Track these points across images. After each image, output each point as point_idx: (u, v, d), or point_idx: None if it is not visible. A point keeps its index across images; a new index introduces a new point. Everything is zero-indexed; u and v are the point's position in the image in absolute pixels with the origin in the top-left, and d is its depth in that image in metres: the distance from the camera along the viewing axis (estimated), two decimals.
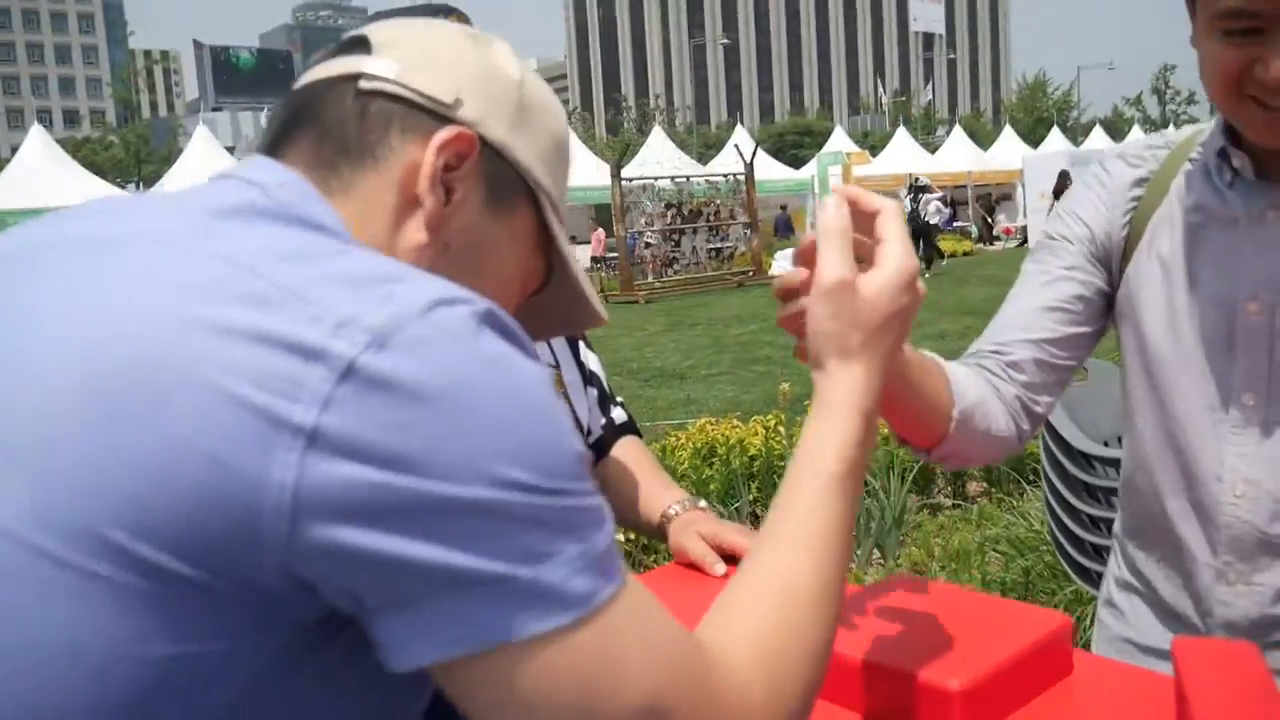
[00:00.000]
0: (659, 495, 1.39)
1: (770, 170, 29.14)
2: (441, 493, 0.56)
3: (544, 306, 0.92)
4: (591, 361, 1.63)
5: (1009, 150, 33.01)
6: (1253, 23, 1.02)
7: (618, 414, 1.63)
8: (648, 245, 18.63)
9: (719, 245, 20.17)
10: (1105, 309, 1.29)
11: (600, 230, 22.17)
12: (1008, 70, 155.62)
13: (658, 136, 28.69)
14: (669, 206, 19.37)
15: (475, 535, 0.57)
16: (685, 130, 78.75)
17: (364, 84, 0.76)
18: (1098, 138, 36.11)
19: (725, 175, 20.50)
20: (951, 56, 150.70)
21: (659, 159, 24.71)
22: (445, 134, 0.75)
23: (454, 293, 0.62)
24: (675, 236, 19.39)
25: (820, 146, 34.14)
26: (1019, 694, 0.96)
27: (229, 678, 0.58)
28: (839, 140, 33.03)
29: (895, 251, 0.83)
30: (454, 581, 0.57)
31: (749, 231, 19.88)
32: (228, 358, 0.56)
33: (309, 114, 0.77)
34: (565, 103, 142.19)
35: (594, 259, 21.03)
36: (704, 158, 36.16)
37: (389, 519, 0.56)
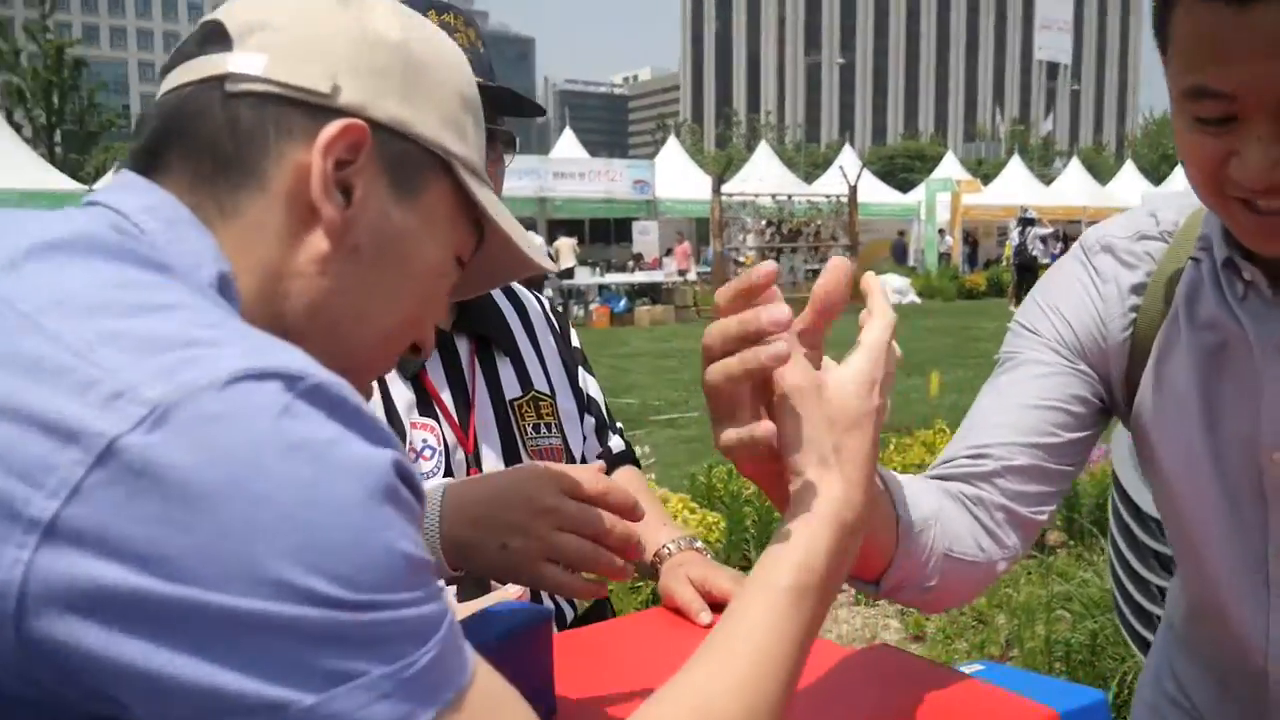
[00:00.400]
0: (653, 532, 1.32)
1: (876, 193, 28.67)
2: (209, 601, 0.48)
3: (479, 263, 0.83)
4: (590, 387, 1.58)
5: (1129, 186, 31.88)
6: (1224, 108, 0.84)
7: (615, 443, 1.58)
8: (737, 264, 18.50)
9: (817, 266, 19.94)
10: (1102, 416, 1.10)
11: (685, 245, 21.95)
12: (1134, 104, 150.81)
13: (763, 152, 28.52)
14: (769, 224, 19.22)
15: (250, 653, 0.48)
16: (794, 148, 78.28)
17: (229, 86, 0.67)
18: None
19: (828, 196, 20.26)
20: (1076, 88, 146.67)
21: (762, 175, 24.56)
22: (331, 129, 0.67)
23: (269, 363, 0.53)
24: (773, 254, 19.24)
25: (931, 171, 33.51)
26: None
27: None
28: (950, 166, 32.38)
29: (862, 356, 0.74)
30: (225, 706, 0.48)
31: (849, 254, 19.61)
32: None
33: (177, 128, 0.68)
34: (675, 114, 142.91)
35: (680, 272, 20.92)
36: (810, 177, 35.85)
37: (142, 628, 0.48)
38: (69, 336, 0.51)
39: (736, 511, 4.38)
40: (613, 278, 20.52)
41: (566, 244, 20.18)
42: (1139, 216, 1.09)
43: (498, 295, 1.51)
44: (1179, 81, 0.86)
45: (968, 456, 1.04)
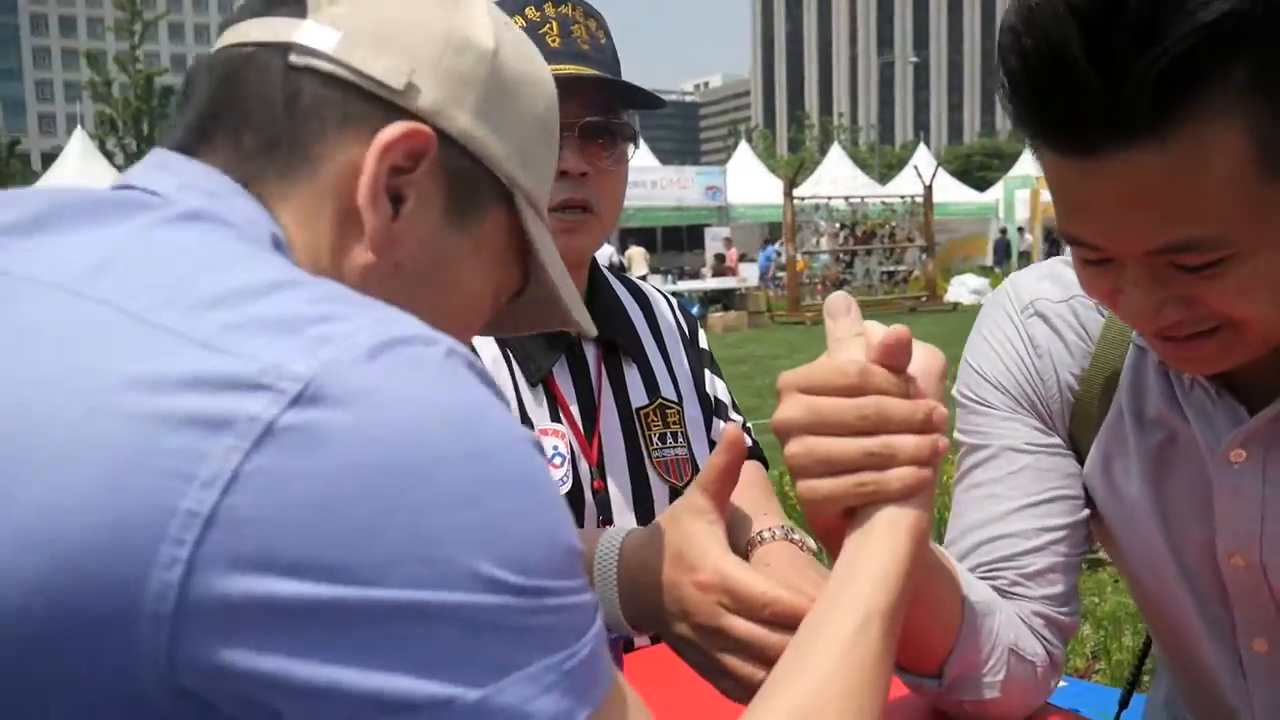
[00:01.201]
0: (753, 521, 1.22)
1: (953, 192, 28.18)
2: (369, 597, 0.44)
3: (514, 312, 0.77)
4: (718, 389, 1.51)
5: None
6: (1097, 253, 0.80)
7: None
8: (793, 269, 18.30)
9: (893, 268, 19.66)
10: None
11: (734, 250, 21.66)
12: None
13: (835, 155, 28.26)
14: (842, 227, 19.02)
15: (410, 646, 0.45)
16: (868, 149, 77.40)
17: (294, 58, 0.61)
18: None
19: (903, 196, 19.97)
20: None
21: (834, 177, 24.33)
22: (391, 132, 0.60)
23: (402, 330, 0.49)
24: (847, 257, 19.02)
25: (1009, 169, 32.83)
26: None
27: None
28: (1029, 164, 31.60)
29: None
30: (383, 705, 0.45)
31: (924, 255, 19.29)
32: (115, 433, 0.45)
33: (229, 95, 0.62)
34: (747, 119, 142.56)
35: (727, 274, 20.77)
36: (885, 178, 35.40)
37: (302, 634, 0.44)
38: (193, 326, 0.47)
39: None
40: (685, 284, 20.49)
41: (638, 253, 20.22)
42: (1067, 271, 1.00)
43: (625, 297, 1.46)
44: (1058, 223, 0.82)
45: (989, 570, 0.98)
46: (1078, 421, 1.01)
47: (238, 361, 0.46)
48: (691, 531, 0.80)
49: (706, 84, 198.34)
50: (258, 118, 0.61)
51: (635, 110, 1.40)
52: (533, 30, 1.27)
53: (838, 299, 0.75)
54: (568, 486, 1.28)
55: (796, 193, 18.37)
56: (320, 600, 0.44)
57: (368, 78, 0.62)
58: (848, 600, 0.66)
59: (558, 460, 1.29)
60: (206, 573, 0.43)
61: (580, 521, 1.30)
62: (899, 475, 0.69)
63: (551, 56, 1.24)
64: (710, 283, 20.46)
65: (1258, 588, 0.95)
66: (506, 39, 0.68)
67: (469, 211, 0.66)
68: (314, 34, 0.61)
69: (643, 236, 23.90)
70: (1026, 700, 0.95)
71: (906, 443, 0.69)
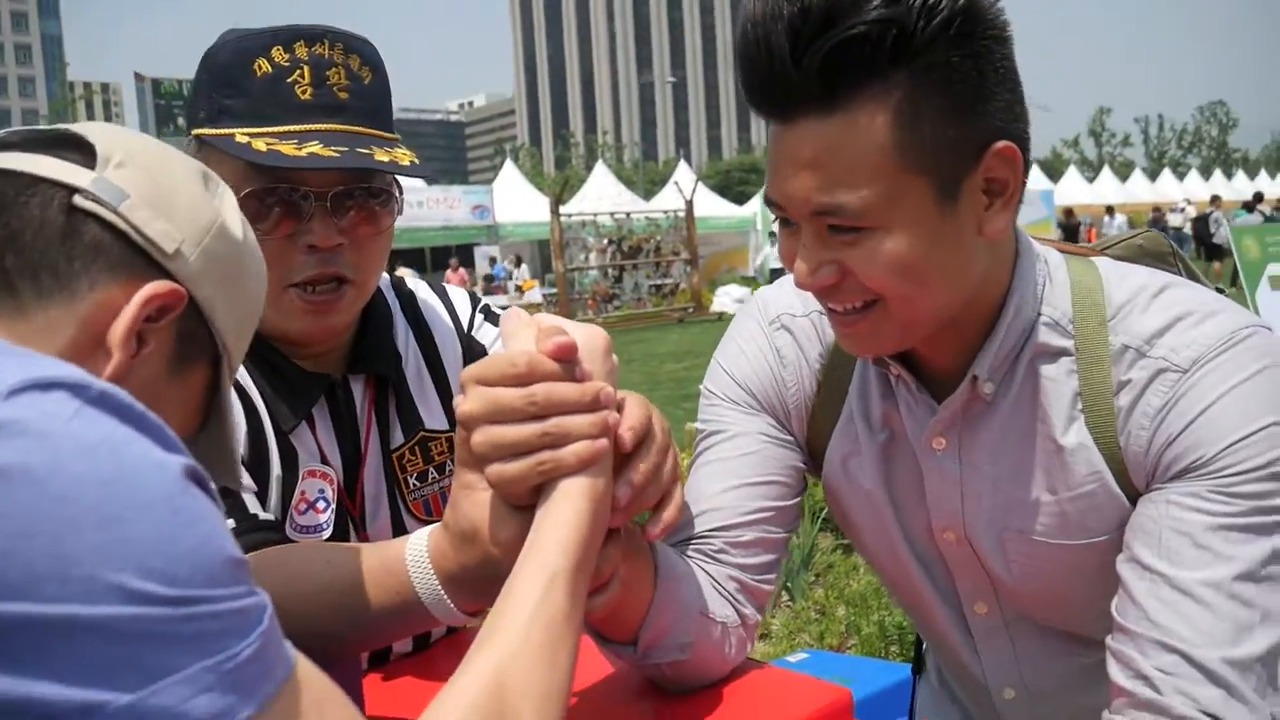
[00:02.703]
0: None
1: (714, 207, 29.28)
2: (12, 612, 0.48)
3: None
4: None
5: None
6: (784, 214, 0.94)
7: None
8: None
9: (660, 281, 20.21)
10: (804, 476, 1.17)
11: (463, 271, 21.39)
12: None
13: (600, 172, 28.78)
14: (610, 243, 19.38)
15: (59, 657, 0.48)
16: (632, 167, 79.21)
17: (80, 201, 0.69)
18: (1035, 177, 36.91)
19: (666, 212, 20.59)
20: None
21: (600, 194, 24.77)
22: (156, 287, 0.70)
23: (50, 374, 0.55)
24: (616, 272, 19.41)
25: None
26: None
27: None
28: None
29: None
30: (39, 713, 0.48)
31: (689, 268, 19.96)
32: None
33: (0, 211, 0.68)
34: (513, 138, 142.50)
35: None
36: (650, 194, 36.31)
37: None
38: None
39: None
40: None
41: (406, 274, 19.74)
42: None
43: (400, 322, 1.36)
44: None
45: (694, 536, 1.08)
46: (815, 423, 1.14)
47: None
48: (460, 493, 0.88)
49: (471, 103, 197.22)
50: (25, 239, 0.67)
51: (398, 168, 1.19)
52: (279, 78, 1.14)
53: (511, 315, 0.86)
54: (328, 533, 1.22)
55: (564, 210, 18.59)
56: None
57: (145, 237, 0.71)
58: (534, 564, 0.76)
59: (321, 505, 1.23)
60: None
61: None
62: (573, 451, 0.79)
63: (300, 113, 1.14)
64: (484, 300, 20.30)
65: (969, 558, 1.09)
66: (249, 236, 0.81)
67: (187, 363, 0.76)
68: (106, 187, 0.70)
69: (411, 257, 23.48)
70: (720, 658, 1.03)
71: (578, 422, 0.79)
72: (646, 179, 60.03)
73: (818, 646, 3.49)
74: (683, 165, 33.25)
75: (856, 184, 0.87)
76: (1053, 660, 1.12)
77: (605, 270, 19.23)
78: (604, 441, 0.80)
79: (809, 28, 0.83)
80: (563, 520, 0.78)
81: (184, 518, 0.54)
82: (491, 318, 1.47)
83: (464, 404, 0.80)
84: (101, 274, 0.69)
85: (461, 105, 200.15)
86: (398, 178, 1.25)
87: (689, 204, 19.80)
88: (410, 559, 0.92)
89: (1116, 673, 0.90)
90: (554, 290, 19.97)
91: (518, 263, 22.16)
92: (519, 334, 0.84)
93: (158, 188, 0.73)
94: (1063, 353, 1.00)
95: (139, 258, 0.70)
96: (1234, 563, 0.87)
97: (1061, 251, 1.07)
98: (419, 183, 26.37)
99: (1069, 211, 20.43)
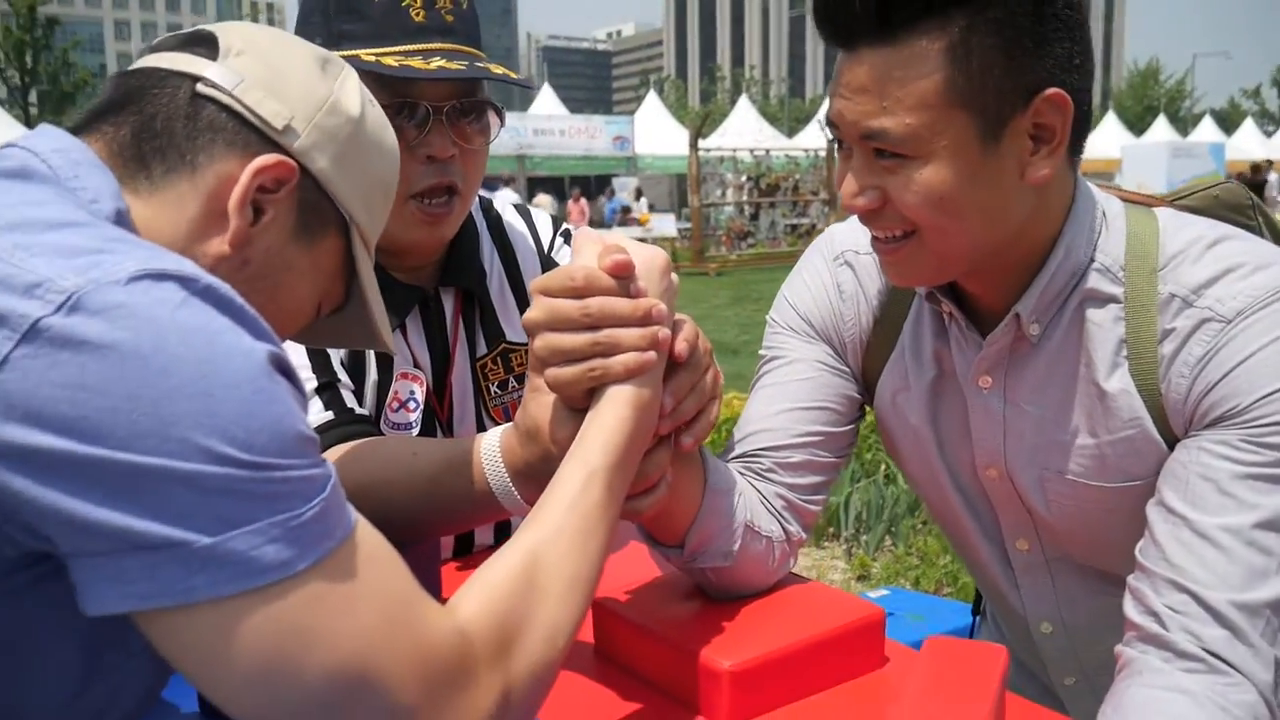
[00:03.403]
0: None
1: None
2: (119, 459, 0.58)
3: (334, 324, 0.95)
4: None
5: (1109, 138, 31.88)
6: (839, 135, 0.98)
7: None
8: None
9: (796, 221, 19.94)
10: (860, 408, 1.21)
11: (584, 202, 21.17)
12: (1120, 56, 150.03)
13: (743, 107, 28.39)
14: (748, 179, 19.19)
15: (154, 500, 0.58)
16: (778, 103, 77.73)
17: (201, 88, 0.79)
18: (1206, 129, 34.73)
19: (806, 150, 20.24)
20: None
21: (741, 130, 24.48)
22: (265, 159, 0.78)
23: (165, 267, 0.63)
24: (752, 209, 19.25)
25: None
26: (810, 680, 0.97)
27: None
28: None
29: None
30: (133, 542, 0.59)
31: (827, 209, 19.62)
32: None
33: (136, 100, 0.79)
34: (659, 70, 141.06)
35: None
36: (793, 131, 35.73)
37: (62, 481, 0.58)
38: None
39: None
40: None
41: (545, 201, 20.12)
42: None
43: (485, 240, 1.47)
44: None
45: (746, 454, 1.15)
46: (869, 357, 1.18)
47: (20, 273, 0.60)
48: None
49: (619, 32, 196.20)
50: (158, 123, 0.78)
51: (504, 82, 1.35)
52: (395, 3, 1.26)
53: (581, 233, 0.93)
54: (417, 430, 1.34)
55: (703, 144, 18.47)
56: (81, 455, 0.57)
57: (256, 115, 0.80)
58: (577, 461, 0.84)
59: (411, 405, 1.35)
60: None
61: None
62: (622, 360, 0.85)
63: (417, 33, 1.26)
64: (617, 232, 20.46)
65: (1010, 495, 1.12)
66: (370, 113, 0.88)
67: (313, 233, 0.84)
68: (222, 73, 0.80)
69: (550, 185, 23.79)
70: (764, 570, 1.09)
71: (628, 334, 0.86)
72: (791, 116, 58.87)
73: (913, 590, 3.51)
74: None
75: (903, 112, 0.91)
76: (1090, 598, 1.14)
77: (741, 207, 19.07)
78: (651, 354, 0.86)
79: None
80: (606, 424, 0.85)
81: (264, 397, 0.63)
82: (570, 241, 1.54)
83: (530, 312, 0.88)
84: (219, 150, 0.78)
85: (610, 35, 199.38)
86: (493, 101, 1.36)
87: (830, 144, 19.36)
88: (485, 453, 1.02)
89: (1130, 608, 0.92)
90: (689, 225, 19.96)
91: (638, 195, 22.10)
92: (584, 250, 0.90)
93: (271, 71, 0.81)
94: (1111, 299, 1.01)
95: (253, 135, 0.79)
96: (1256, 511, 0.88)
97: (1125, 200, 1.07)
98: (562, 110, 26.60)
99: (1256, 167, 18.94)
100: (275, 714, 0.64)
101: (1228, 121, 50.06)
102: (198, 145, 0.78)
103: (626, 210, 21.56)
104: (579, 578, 0.79)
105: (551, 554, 0.78)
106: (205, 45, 0.81)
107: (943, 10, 0.88)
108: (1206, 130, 34.31)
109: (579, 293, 0.86)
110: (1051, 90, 0.91)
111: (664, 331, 0.87)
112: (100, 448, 0.58)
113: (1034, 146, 0.94)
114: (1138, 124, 43.67)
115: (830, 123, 0.98)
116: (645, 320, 0.86)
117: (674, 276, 0.93)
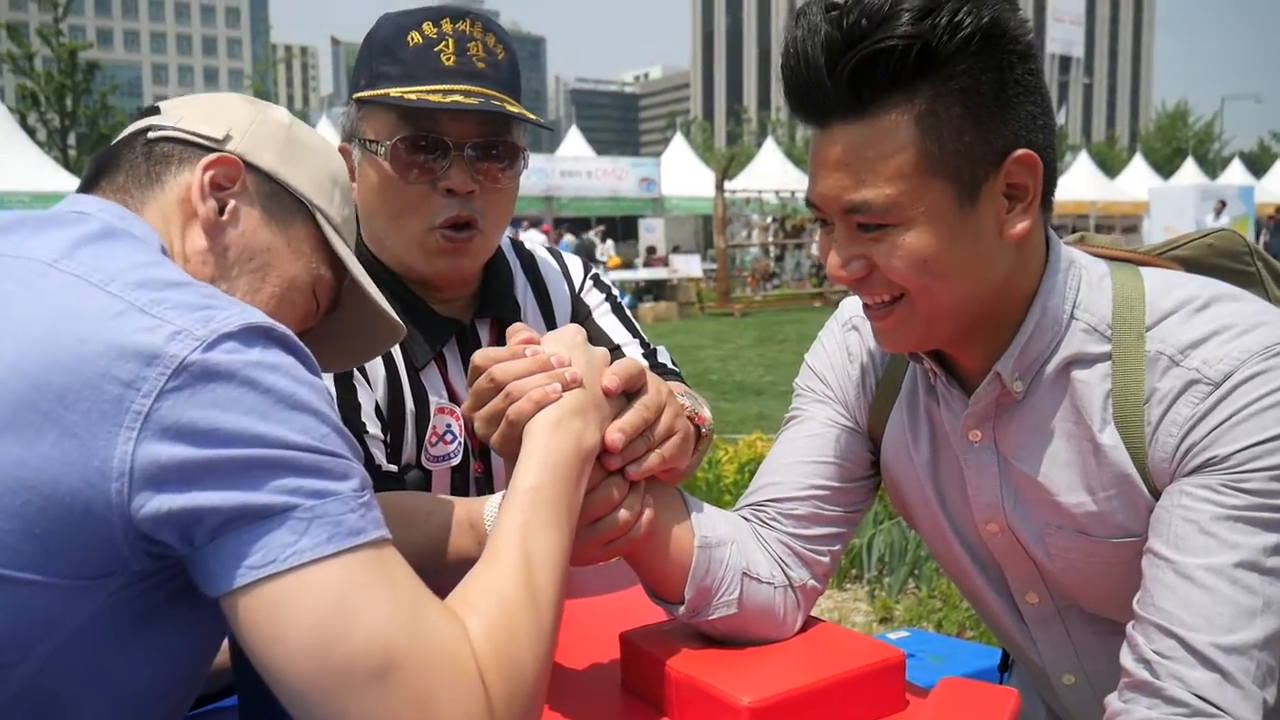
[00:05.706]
0: None
1: None
2: (241, 454, 0.75)
3: (344, 332, 1.10)
4: (612, 329, 1.59)
5: (1137, 181, 31.83)
6: (821, 214, 1.03)
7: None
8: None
9: (822, 262, 20.00)
10: (872, 463, 1.25)
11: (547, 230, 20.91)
12: (1148, 98, 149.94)
13: (769, 149, 28.58)
14: (774, 220, 19.31)
15: (268, 479, 0.76)
16: (804, 145, 77.89)
17: (151, 133, 0.99)
18: (1235, 171, 34.56)
19: None
20: (1088, 81, 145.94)
21: (766, 172, 24.63)
22: (212, 157, 0.97)
23: (257, 321, 0.81)
24: (777, 250, 19.33)
25: None
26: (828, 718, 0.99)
27: (79, 607, 0.77)
28: None
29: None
30: (254, 514, 0.75)
31: None
32: (91, 354, 0.75)
33: (110, 163, 0.99)
34: (686, 111, 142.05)
35: None
36: None
37: (200, 481, 0.74)
38: (135, 298, 0.79)
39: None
40: (618, 274, 20.61)
41: (572, 241, 20.25)
42: None
43: (518, 275, 1.55)
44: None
45: (754, 504, 1.21)
46: (874, 416, 1.23)
47: (162, 324, 0.78)
48: None
49: (647, 75, 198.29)
50: (128, 168, 0.98)
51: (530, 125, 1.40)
52: (428, 47, 1.35)
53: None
54: (456, 461, 1.42)
55: (728, 186, 18.62)
56: (216, 456, 0.75)
57: (198, 134, 1.00)
58: (514, 491, 0.93)
59: (449, 438, 1.42)
60: (145, 445, 0.74)
61: (466, 495, 1.45)
62: (528, 396, 0.96)
63: (445, 75, 1.33)
64: (642, 273, 20.64)
65: (1014, 548, 1.14)
66: (298, 124, 1.06)
67: (280, 219, 1.01)
68: (163, 119, 1.01)
69: (578, 227, 23.98)
70: (773, 620, 1.13)
71: (529, 380, 0.98)
72: None
73: (936, 632, 3.50)
74: None
75: (881, 183, 0.95)
76: (1108, 646, 1.15)
77: (766, 248, 19.16)
78: (555, 386, 0.97)
79: (842, 42, 0.93)
80: (528, 450, 0.95)
81: (324, 409, 0.82)
82: (600, 285, 1.65)
83: (464, 406, 1.02)
84: (174, 168, 0.97)
85: (637, 77, 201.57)
86: (525, 147, 1.43)
87: None
88: (487, 515, 1.15)
89: (1125, 656, 0.95)
90: (714, 266, 20.04)
91: (604, 237, 21.96)
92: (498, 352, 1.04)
93: (206, 107, 1.02)
94: (1099, 358, 1.03)
95: (198, 149, 0.98)
96: (1238, 550, 0.91)
97: (1112, 259, 1.10)
98: (589, 152, 26.91)
99: None
100: (321, 686, 0.74)
101: (1257, 164, 49.76)
102: (159, 169, 0.97)
103: (651, 250, 21.66)
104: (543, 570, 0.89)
105: (492, 578, 0.88)
106: (150, 113, 1.02)
107: (909, 83, 0.93)
108: (1235, 173, 34.14)
109: (480, 370, 1.00)
110: (1021, 151, 0.96)
111: (570, 372, 0.98)
112: (229, 449, 0.75)
113: (1009, 205, 0.98)
114: (1166, 166, 43.52)
115: (810, 202, 1.03)
116: (544, 367, 0.99)
117: (591, 348, 1.05)
